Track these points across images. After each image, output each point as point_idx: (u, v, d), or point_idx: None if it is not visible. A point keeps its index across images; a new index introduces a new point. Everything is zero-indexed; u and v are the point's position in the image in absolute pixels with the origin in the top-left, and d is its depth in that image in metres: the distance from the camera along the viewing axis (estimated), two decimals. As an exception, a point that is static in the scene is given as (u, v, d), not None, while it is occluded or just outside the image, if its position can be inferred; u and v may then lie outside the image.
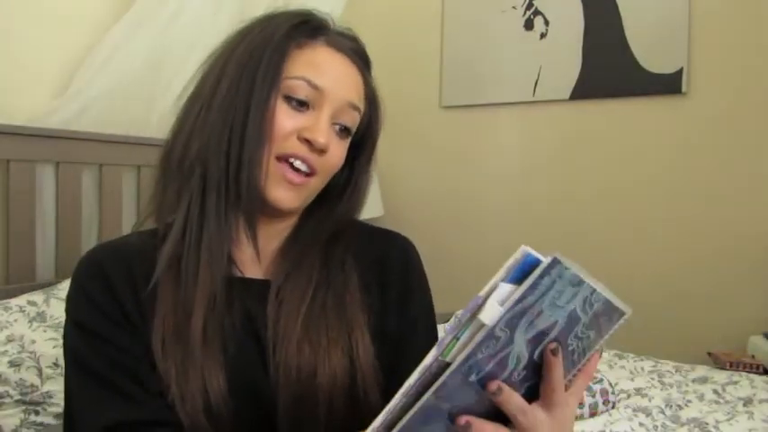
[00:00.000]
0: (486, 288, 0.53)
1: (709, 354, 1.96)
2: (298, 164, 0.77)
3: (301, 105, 0.78)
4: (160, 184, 0.81)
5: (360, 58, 0.84)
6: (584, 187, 2.36)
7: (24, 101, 1.75)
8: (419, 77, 2.66)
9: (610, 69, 2.29)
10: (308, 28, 0.80)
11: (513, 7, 2.47)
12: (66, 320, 0.78)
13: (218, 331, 0.75)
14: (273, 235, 0.84)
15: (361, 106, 0.83)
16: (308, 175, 0.78)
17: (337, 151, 0.81)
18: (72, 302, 0.78)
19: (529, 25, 2.44)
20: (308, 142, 0.77)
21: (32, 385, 1.27)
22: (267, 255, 0.84)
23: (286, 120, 0.77)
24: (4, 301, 1.46)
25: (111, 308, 0.75)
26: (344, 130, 0.81)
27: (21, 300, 1.47)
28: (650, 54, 2.22)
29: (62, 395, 0.81)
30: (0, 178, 1.62)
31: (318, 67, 0.78)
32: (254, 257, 0.82)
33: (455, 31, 2.59)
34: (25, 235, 1.64)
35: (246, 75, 0.76)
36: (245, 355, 0.77)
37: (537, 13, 2.43)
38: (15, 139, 1.60)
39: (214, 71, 0.80)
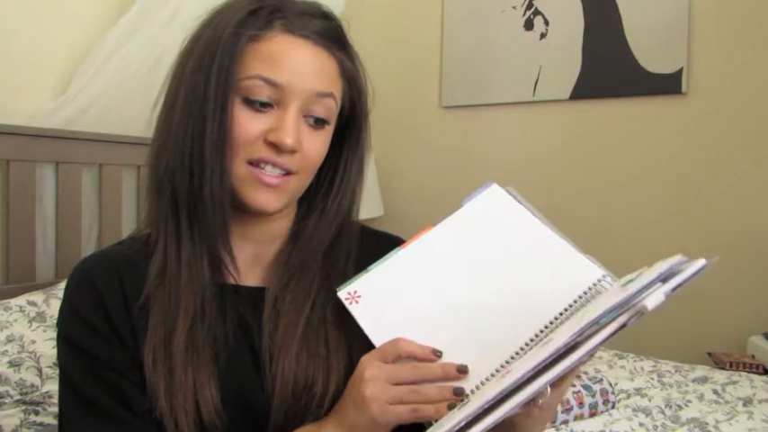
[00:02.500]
0: (641, 284, 0.57)
1: (709, 354, 1.96)
2: (269, 169, 0.72)
3: (264, 106, 0.71)
4: (151, 191, 0.78)
5: (327, 38, 0.75)
6: (583, 187, 2.36)
7: (24, 101, 1.75)
8: (419, 77, 2.66)
9: (610, 69, 2.29)
10: (262, 15, 0.72)
11: (513, 7, 2.47)
12: (57, 335, 0.76)
13: (210, 341, 0.72)
14: (270, 238, 0.81)
15: (336, 91, 0.75)
16: (285, 175, 0.74)
17: (313, 145, 0.75)
18: (62, 317, 0.75)
19: (529, 25, 2.44)
20: (275, 145, 0.71)
21: (32, 385, 1.27)
22: (264, 259, 0.81)
23: (248, 123, 0.71)
24: (4, 301, 1.45)
25: (101, 323, 0.72)
26: (319, 121, 0.75)
27: (21, 300, 1.46)
28: (650, 54, 2.22)
29: (62, 395, 0.80)
30: (0, 178, 1.62)
31: (276, 61, 0.71)
32: (249, 263, 0.79)
33: (455, 31, 2.59)
34: (25, 235, 1.64)
35: (200, 81, 0.71)
36: (239, 364, 0.74)
37: (537, 13, 2.43)
38: (15, 139, 1.60)
39: (176, 76, 0.75)
